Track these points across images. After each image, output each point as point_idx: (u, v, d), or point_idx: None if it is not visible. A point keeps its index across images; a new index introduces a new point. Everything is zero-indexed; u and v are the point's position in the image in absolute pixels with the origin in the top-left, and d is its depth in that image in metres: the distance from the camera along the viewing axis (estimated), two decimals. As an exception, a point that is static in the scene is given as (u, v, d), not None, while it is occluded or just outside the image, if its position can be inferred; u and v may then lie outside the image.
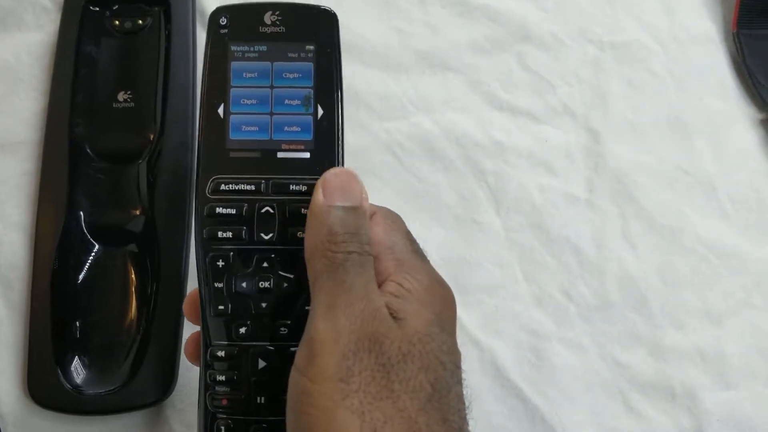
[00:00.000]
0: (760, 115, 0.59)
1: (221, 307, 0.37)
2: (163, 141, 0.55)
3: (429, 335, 0.34)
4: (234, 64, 0.39)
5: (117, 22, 0.58)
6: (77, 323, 0.52)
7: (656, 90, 0.60)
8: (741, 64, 0.60)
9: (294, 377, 0.33)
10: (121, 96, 0.56)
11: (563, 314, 0.55)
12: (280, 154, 0.38)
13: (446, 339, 0.34)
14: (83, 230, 0.53)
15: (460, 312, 0.54)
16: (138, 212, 0.54)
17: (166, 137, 0.55)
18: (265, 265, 0.37)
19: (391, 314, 0.34)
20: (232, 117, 0.39)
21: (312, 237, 0.35)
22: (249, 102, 0.39)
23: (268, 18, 0.39)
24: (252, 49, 0.39)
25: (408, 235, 0.39)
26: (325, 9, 0.40)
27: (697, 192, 0.58)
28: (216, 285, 0.37)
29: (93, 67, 0.57)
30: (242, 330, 0.37)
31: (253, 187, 0.38)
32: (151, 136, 0.55)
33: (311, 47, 0.39)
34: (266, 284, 0.37)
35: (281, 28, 0.39)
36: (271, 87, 0.39)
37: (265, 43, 0.39)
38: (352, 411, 0.31)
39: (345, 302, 0.33)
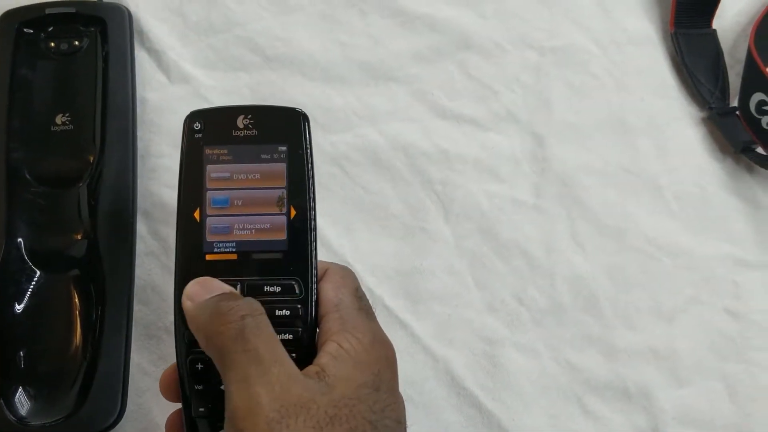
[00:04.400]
0: (700, 113, 0.60)
1: (201, 409, 0.38)
2: (103, 163, 0.54)
3: (358, 398, 0.34)
4: (209, 168, 0.40)
5: (53, 44, 0.57)
6: (20, 353, 0.51)
7: (597, 92, 0.60)
8: (680, 64, 0.61)
9: None
10: (59, 119, 0.55)
11: (516, 319, 0.55)
12: (255, 255, 0.39)
13: (380, 398, 0.35)
14: (24, 257, 0.52)
15: (413, 322, 0.54)
16: (80, 236, 0.53)
17: (106, 159, 0.54)
18: None
19: (321, 376, 0.34)
20: (208, 220, 0.39)
21: (201, 330, 0.36)
22: (224, 204, 0.39)
23: (240, 122, 0.40)
24: (226, 152, 0.40)
25: (357, 291, 0.39)
26: (294, 110, 0.41)
27: (642, 191, 0.58)
28: (196, 387, 0.38)
29: (29, 90, 0.56)
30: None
31: None
32: (91, 159, 0.54)
33: (283, 148, 0.40)
34: None
35: (254, 131, 0.40)
36: (246, 189, 0.40)
37: (238, 146, 0.40)
38: None
39: (257, 372, 0.34)
